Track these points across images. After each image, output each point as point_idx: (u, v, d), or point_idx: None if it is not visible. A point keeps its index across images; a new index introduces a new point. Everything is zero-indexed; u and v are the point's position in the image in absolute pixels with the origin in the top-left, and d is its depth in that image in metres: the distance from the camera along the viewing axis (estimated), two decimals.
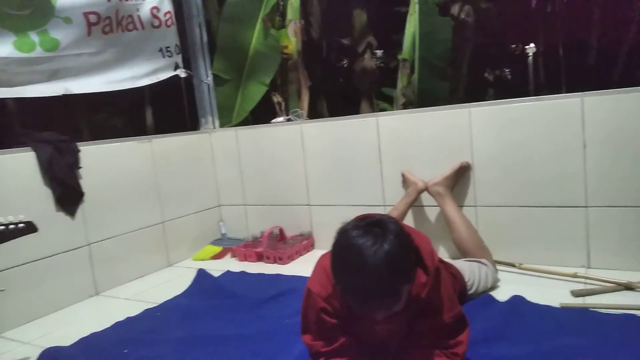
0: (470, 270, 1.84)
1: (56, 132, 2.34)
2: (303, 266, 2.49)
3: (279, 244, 2.70)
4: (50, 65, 2.32)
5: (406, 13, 3.78)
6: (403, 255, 1.11)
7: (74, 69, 2.43)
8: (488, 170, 2.24)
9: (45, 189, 2.19)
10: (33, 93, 2.29)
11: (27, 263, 2.11)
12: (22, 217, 1.62)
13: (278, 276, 2.36)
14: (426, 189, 2.28)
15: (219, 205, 3.17)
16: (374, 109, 4.62)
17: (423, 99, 3.53)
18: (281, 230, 2.80)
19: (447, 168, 2.25)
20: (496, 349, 1.43)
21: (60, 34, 2.34)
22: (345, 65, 5.28)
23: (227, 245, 2.94)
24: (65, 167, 2.23)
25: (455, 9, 4.31)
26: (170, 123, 3.18)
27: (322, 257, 1.36)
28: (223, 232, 3.14)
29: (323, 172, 2.71)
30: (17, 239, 1.61)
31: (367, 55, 4.81)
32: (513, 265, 2.12)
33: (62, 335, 1.89)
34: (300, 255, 2.69)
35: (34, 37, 2.24)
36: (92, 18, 2.45)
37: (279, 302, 1.99)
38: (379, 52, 5.13)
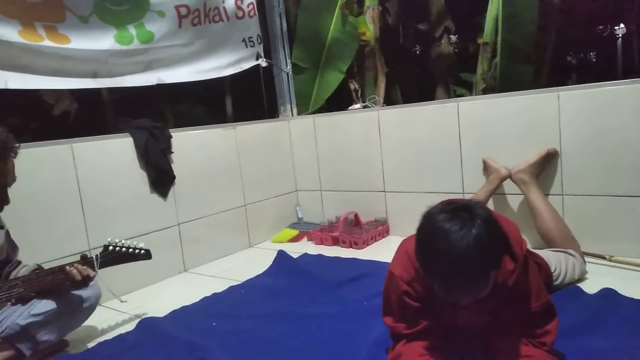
0: (557, 260, 1.77)
1: (149, 119, 2.52)
2: (378, 251, 2.52)
3: (355, 229, 2.74)
4: (145, 57, 2.50)
5: None
6: (491, 241, 1.09)
7: (166, 59, 2.59)
8: (577, 157, 2.13)
9: (141, 172, 2.38)
10: (130, 83, 2.47)
11: (127, 239, 2.29)
12: (143, 245, 1.88)
13: (354, 260, 2.40)
14: (509, 176, 2.22)
15: (296, 190, 3.26)
16: (451, 94, 4.51)
17: (505, 83, 3.39)
18: (356, 216, 2.84)
19: (532, 155, 2.17)
20: (586, 342, 1.38)
21: (155, 27, 2.50)
22: (421, 51, 5.19)
23: (304, 229, 3.03)
24: (159, 152, 2.40)
25: None
26: (248, 111, 3.30)
27: (405, 240, 1.37)
28: (300, 216, 3.23)
29: (399, 159, 2.71)
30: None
31: (444, 40, 4.69)
32: (603, 258, 2.01)
33: (155, 307, 2.05)
34: (375, 240, 2.71)
35: (132, 30, 2.42)
36: (183, 11, 2.60)
37: (357, 284, 2.03)
38: (456, 37, 4.98)
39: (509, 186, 2.30)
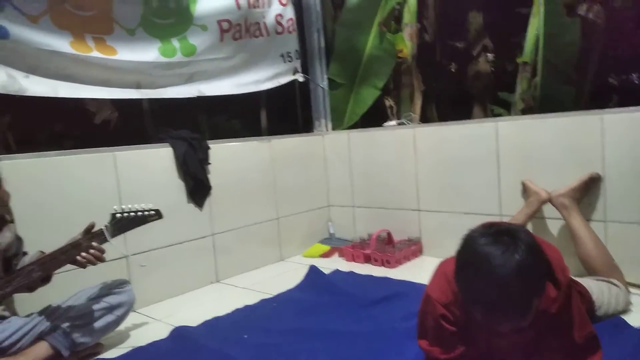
0: (599, 290, 1.71)
1: (188, 130, 2.57)
2: (411, 271, 2.49)
3: (387, 248, 2.71)
4: (187, 69, 2.56)
5: (528, 14, 3.60)
6: (534, 267, 1.06)
7: (207, 72, 2.65)
8: (621, 182, 2.06)
9: (179, 182, 2.42)
10: (172, 94, 2.54)
11: (161, 248, 2.35)
12: (152, 205, 1.80)
13: (386, 279, 2.37)
14: (550, 200, 2.16)
15: (329, 206, 3.26)
16: (488, 114, 4.44)
17: (545, 104, 3.31)
18: (389, 234, 2.81)
19: (574, 178, 2.11)
20: None
21: (197, 40, 2.57)
22: (457, 69, 5.14)
23: (335, 245, 3.02)
24: (197, 162, 2.44)
25: (582, 9, 4.01)
26: (282, 125, 3.33)
27: (444, 262, 1.35)
28: (331, 231, 3.22)
29: (435, 178, 2.68)
30: (148, 224, 1.80)
31: (481, 59, 4.64)
32: None
33: (188, 316, 2.07)
34: (408, 260, 2.67)
35: (175, 43, 2.49)
36: (225, 25, 2.66)
37: (389, 304, 2.00)
38: (494, 56, 4.92)
39: (548, 210, 2.24)
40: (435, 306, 1.29)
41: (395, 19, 3.69)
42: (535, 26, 3.49)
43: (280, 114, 4.11)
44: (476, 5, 4.58)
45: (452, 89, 5.16)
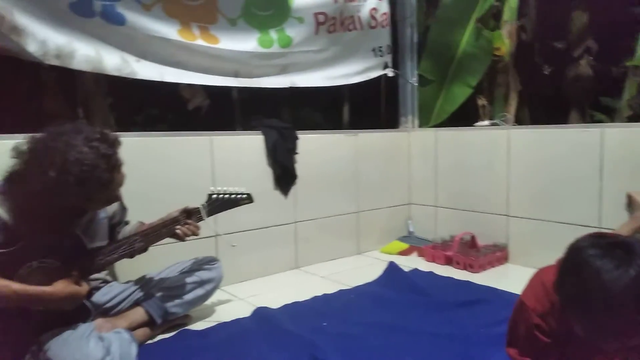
0: None
1: (278, 120, 2.64)
2: (495, 278, 2.39)
3: (470, 251, 2.62)
4: (282, 60, 2.63)
5: None
6: None
7: (300, 64, 2.70)
8: None
9: (267, 169, 2.50)
10: (266, 84, 2.62)
11: (247, 230, 2.44)
12: (244, 189, 1.88)
13: (468, 283, 2.30)
14: None
15: (409, 203, 3.22)
16: (586, 119, 4.15)
17: None
18: (473, 237, 2.72)
19: None
20: None
21: (294, 32, 2.62)
22: (556, 70, 4.85)
23: (414, 244, 2.97)
24: (285, 151, 2.51)
25: None
26: (365, 120, 3.31)
27: (542, 271, 1.28)
28: (411, 230, 3.18)
29: (528, 182, 2.55)
30: (239, 207, 1.88)
31: (583, 61, 4.34)
32: None
33: (269, 298, 2.14)
34: (492, 266, 2.57)
35: (273, 34, 2.56)
36: (321, 18, 2.70)
37: (472, 309, 1.94)
38: (597, 58, 4.58)
39: None
40: (530, 315, 1.23)
41: (493, 16, 3.55)
42: None
43: (362, 108, 4.10)
44: (582, 5, 4.28)
45: (549, 91, 4.88)
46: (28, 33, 1.86)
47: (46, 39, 1.91)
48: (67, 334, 1.47)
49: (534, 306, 1.23)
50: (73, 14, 1.97)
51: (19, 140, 1.43)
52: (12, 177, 1.42)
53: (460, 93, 3.30)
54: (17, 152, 1.41)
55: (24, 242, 1.42)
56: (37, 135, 1.43)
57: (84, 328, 1.51)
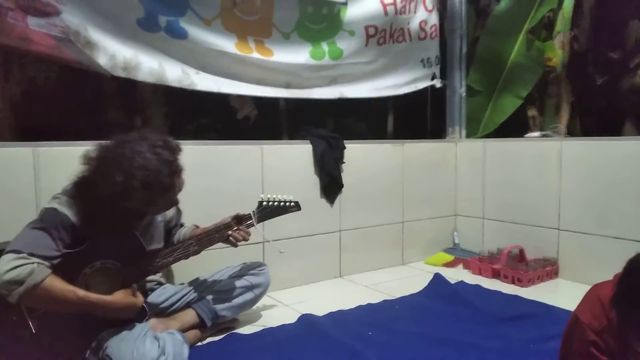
0: None
1: (326, 129, 2.69)
2: (544, 293, 2.33)
3: (519, 265, 2.57)
4: (332, 72, 2.68)
5: None
6: None
7: (349, 75, 2.75)
8: None
9: (314, 177, 2.55)
10: (316, 95, 2.68)
11: (293, 238, 2.48)
12: (292, 197, 1.95)
13: (517, 297, 2.26)
14: None
15: (455, 215, 3.19)
16: None
17: None
18: (521, 251, 2.67)
19: None
20: None
21: (344, 45, 2.68)
22: (610, 81, 4.68)
23: (460, 256, 2.94)
24: (333, 160, 2.55)
25: None
26: (409, 130, 3.31)
27: (598, 286, 1.25)
28: (456, 241, 3.14)
29: (581, 196, 2.48)
30: (287, 214, 1.94)
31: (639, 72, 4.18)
32: None
33: (314, 305, 2.17)
34: (542, 280, 2.51)
35: (324, 47, 2.62)
36: (371, 31, 2.74)
37: (521, 324, 1.90)
38: None
39: None
40: (585, 331, 1.20)
41: (545, 27, 3.48)
42: None
43: (408, 118, 4.10)
44: (639, 13, 4.13)
45: (602, 102, 4.71)
46: (99, 47, 1.99)
47: (115, 53, 2.04)
48: (125, 333, 1.53)
49: (590, 322, 1.20)
50: (140, 29, 2.09)
51: (87, 147, 1.53)
52: (82, 181, 1.52)
53: (510, 104, 3.25)
54: (87, 159, 1.51)
55: (89, 243, 1.51)
56: (105, 142, 1.53)
57: (140, 328, 1.57)
